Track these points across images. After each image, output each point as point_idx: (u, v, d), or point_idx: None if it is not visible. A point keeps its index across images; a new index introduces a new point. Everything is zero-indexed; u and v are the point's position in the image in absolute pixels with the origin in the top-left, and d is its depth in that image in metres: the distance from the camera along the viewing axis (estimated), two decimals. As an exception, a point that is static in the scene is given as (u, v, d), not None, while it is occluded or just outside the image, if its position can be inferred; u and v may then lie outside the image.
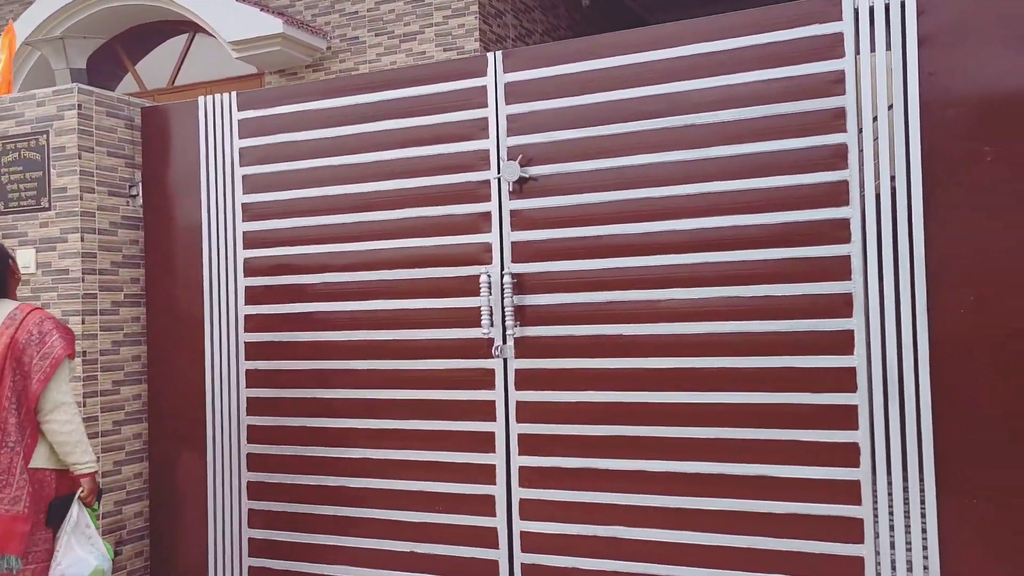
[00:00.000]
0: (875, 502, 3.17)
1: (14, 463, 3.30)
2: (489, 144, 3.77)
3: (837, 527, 3.21)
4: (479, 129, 3.78)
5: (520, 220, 3.71)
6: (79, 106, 4.27)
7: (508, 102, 3.74)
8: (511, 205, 3.72)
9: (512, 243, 3.72)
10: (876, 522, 3.17)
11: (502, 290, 3.68)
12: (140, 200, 4.53)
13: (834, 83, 3.23)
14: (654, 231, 3.49)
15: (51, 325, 3.38)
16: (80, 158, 4.27)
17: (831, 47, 3.23)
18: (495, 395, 3.75)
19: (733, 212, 3.37)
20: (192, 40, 7.86)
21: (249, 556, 4.23)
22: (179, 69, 7.97)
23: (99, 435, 4.29)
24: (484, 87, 3.78)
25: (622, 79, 3.54)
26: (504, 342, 3.71)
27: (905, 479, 3.13)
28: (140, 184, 4.52)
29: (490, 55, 3.77)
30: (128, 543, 4.44)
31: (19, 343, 3.33)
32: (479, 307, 3.73)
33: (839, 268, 3.22)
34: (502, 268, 3.71)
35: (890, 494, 3.15)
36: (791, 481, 3.28)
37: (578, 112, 3.61)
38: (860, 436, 3.19)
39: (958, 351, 3.06)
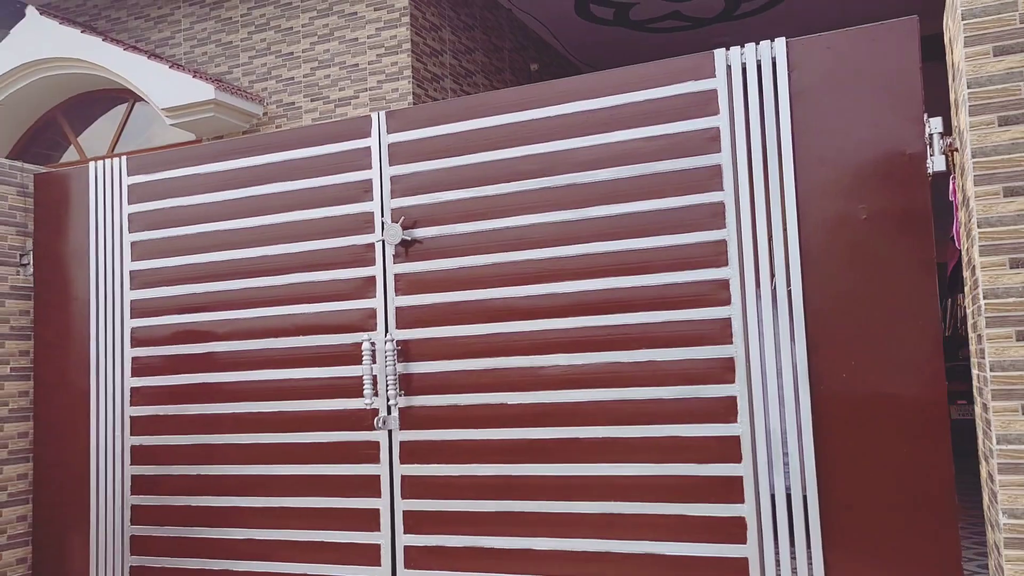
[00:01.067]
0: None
1: None
2: (373, 206, 3.65)
3: (727, 608, 3.00)
4: (363, 191, 3.67)
5: (405, 284, 3.57)
6: (-35, 174, 4.16)
7: (392, 163, 3.63)
8: (395, 269, 3.59)
9: (397, 308, 3.57)
10: (766, 602, 2.96)
11: (385, 358, 3.52)
12: (31, 269, 4.38)
13: (710, 140, 3.13)
14: (536, 294, 3.35)
15: None
16: (-36, 227, 4.14)
17: (706, 103, 3.14)
18: (380, 469, 3.55)
19: (614, 274, 3.23)
20: (132, 109, 7.82)
21: (132, 646, 3.97)
22: (119, 138, 7.91)
23: (-23, 517, 4.06)
24: (368, 148, 3.68)
25: (503, 138, 3.44)
26: (388, 412, 3.53)
27: (793, 555, 2.93)
28: (31, 253, 4.38)
29: (374, 115, 3.68)
30: (9, 633, 4.17)
31: None
32: (362, 376, 3.55)
33: (721, 331, 3.07)
34: (386, 334, 3.56)
35: (778, 565, 2.95)
36: (680, 559, 3.08)
37: (460, 172, 3.51)
38: (746, 510, 3.00)
39: (841, 414, 2.90)
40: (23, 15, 7.75)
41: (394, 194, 3.61)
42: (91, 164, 4.28)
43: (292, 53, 7.07)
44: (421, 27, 6.85)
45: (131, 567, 3.99)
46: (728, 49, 3.13)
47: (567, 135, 3.33)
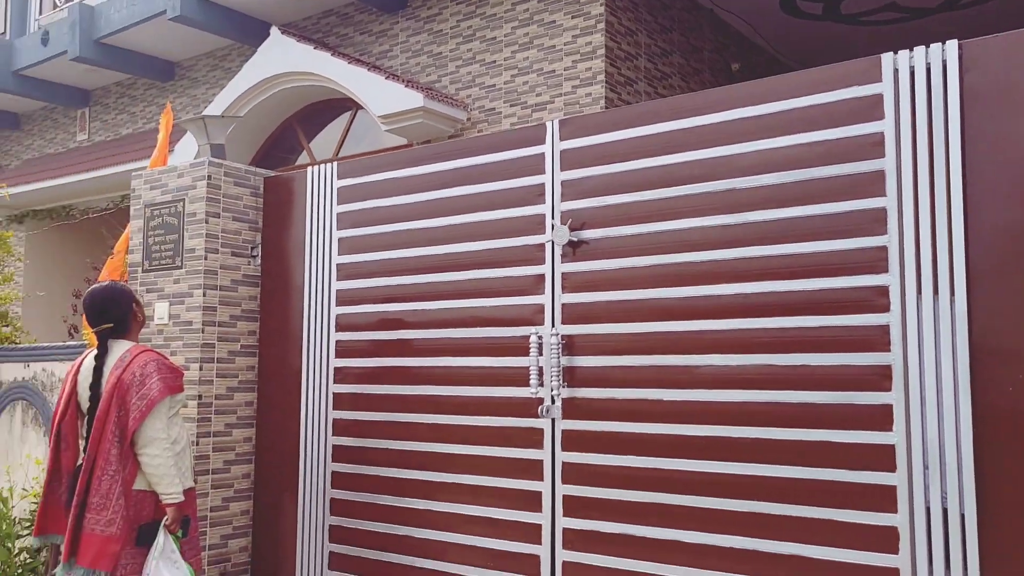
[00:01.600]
0: (915, 595, 2.91)
1: (113, 489, 3.75)
2: (545, 209, 3.90)
3: (875, 618, 2.97)
4: (537, 195, 3.93)
5: (571, 282, 3.80)
6: (209, 177, 4.87)
7: (563, 168, 3.86)
8: (563, 268, 3.82)
9: (563, 304, 3.81)
10: (916, 617, 2.90)
11: (551, 351, 3.76)
12: (259, 261, 5.04)
13: (874, 145, 3.09)
14: (695, 295, 3.45)
15: (153, 368, 3.83)
16: (207, 223, 4.85)
17: (871, 109, 3.11)
18: (543, 455, 3.80)
19: (772, 278, 3.28)
20: (355, 116, 8.61)
21: (329, 595, 4.49)
22: (343, 143, 8.73)
23: (210, 472, 4.76)
24: (542, 154, 3.94)
25: (667, 145, 3.57)
26: (552, 402, 3.77)
27: (948, 571, 2.85)
28: (259, 246, 5.04)
29: (548, 123, 3.93)
30: (232, 575, 4.84)
31: (124, 383, 3.80)
32: (529, 367, 3.82)
33: (879, 338, 3.04)
34: (552, 329, 3.80)
35: (932, 587, 2.88)
36: (828, 563, 3.08)
37: (626, 177, 3.68)
38: (899, 520, 2.95)
39: (1005, 430, 2.78)
40: (268, 35, 8.76)
41: (564, 197, 3.85)
42: (308, 169, 4.86)
43: (495, 61, 7.49)
44: (616, 32, 7.03)
45: (330, 525, 4.51)
46: (896, 53, 3.08)
47: (728, 141, 3.41)
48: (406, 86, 7.36)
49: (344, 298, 4.61)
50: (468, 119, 7.59)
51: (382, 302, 4.44)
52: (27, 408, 5.78)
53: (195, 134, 5.20)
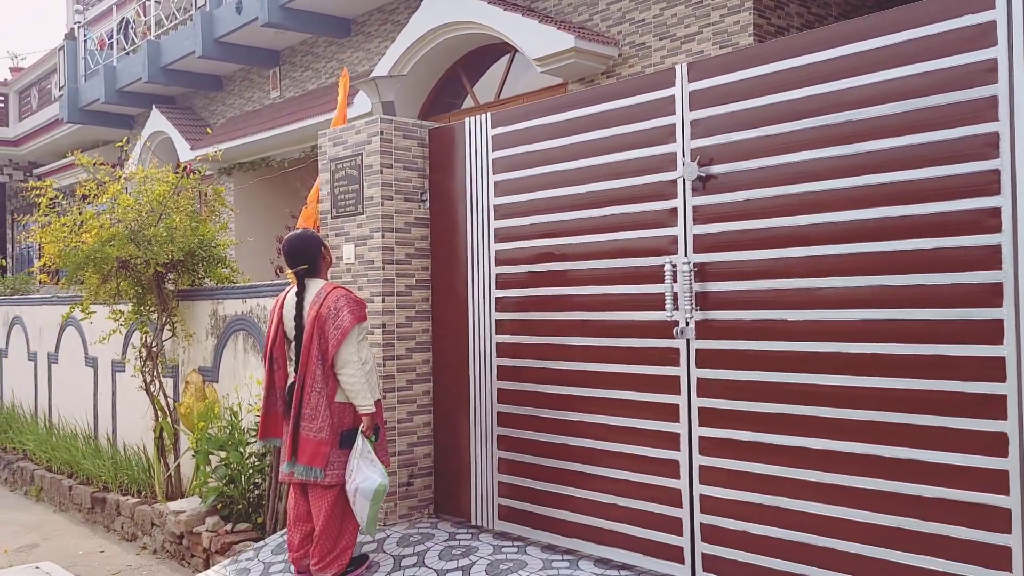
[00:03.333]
0: None
1: (320, 402, 4.55)
2: (676, 147, 4.22)
3: (985, 515, 3.21)
4: (668, 134, 4.26)
5: (701, 215, 4.13)
6: (381, 132, 5.51)
7: (692, 108, 4.16)
8: (694, 201, 4.15)
9: (694, 236, 4.15)
10: None
11: (684, 278, 4.13)
12: (428, 204, 5.67)
13: (987, 72, 3.20)
14: (815, 223, 3.70)
15: (343, 302, 4.56)
16: (382, 173, 5.51)
17: (983, 36, 3.21)
18: (679, 371, 4.21)
19: (888, 203, 3.47)
20: (512, 59, 9.05)
21: (499, 496, 5.15)
22: (503, 85, 9.22)
23: (395, 390, 5.51)
24: (672, 96, 4.24)
25: (786, 82, 3.79)
26: (686, 324, 4.15)
27: (1053, 474, 3.05)
28: (427, 191, 5.66)
29: (677, 67, 4.22)
30: (419, 477, 5.62)
31: (322, 316, 4.56)
32: (664, 292, 4.21)
33: (991, 257, 3.20)
34: (685, 258, 4.16)
35: (1039, 489, 3.08)
36: (940, 467, 3.34)
37: (751, 114, 3.93)
38: (1009, 426, 3.16)
39: (1111, 345, 2.91)
40: (431, -14, 9.31)
41: (694, 136, 4.15)
42: (466, 120, 5.39)
43: (643, -4, 7.67)
44: (765, -44, 7.01)
45: (498, 436, 5.15)
46: (1009, -22, 3.15)
47: (844, 75, 3.59)
48: (558, 28, 7.70)
49: (501, 235, 5.14)
50: (619, 55, 7.84)
51: (535, 238, 4.93)
52: (247, 337, 6.81)
53: (368, 94, 5.84)
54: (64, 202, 7.70)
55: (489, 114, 5.25)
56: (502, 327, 5.13)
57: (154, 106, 14.58)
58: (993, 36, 3.18)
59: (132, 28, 15.74)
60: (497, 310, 5.16)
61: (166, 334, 7.46)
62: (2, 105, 20.53)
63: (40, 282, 12.43)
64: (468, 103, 9.73)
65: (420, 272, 5.67)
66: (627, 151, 4.45)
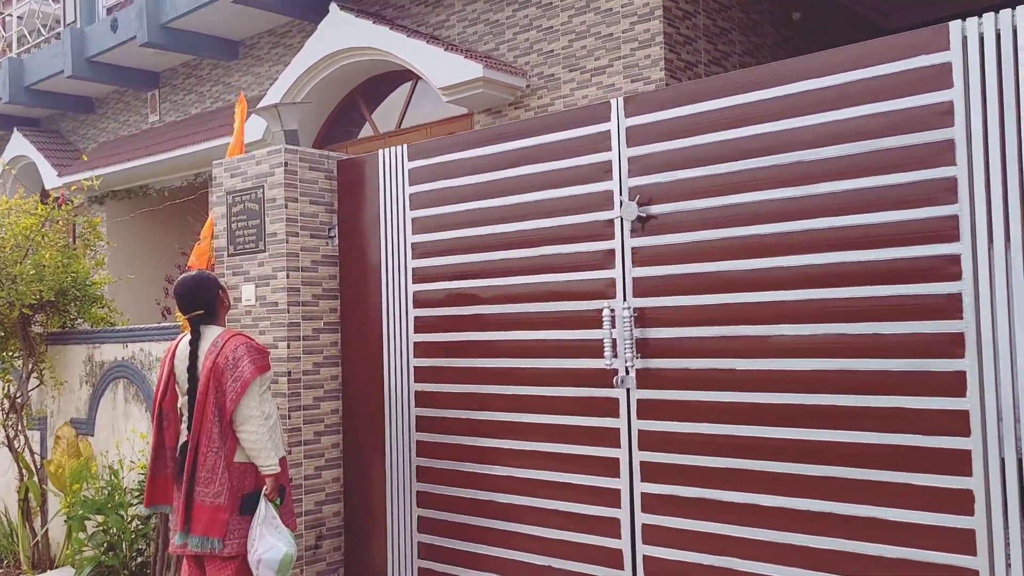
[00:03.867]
0: (991, 553, 3.00)
1: (217, 464, 4.05)
2: (613, 185, 4.00)
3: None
4: (604, 171, 4.03)
5: (641, 257, 3.90)
6: (286, 163, 5.07)
7: (629, 144, 3.95)
8: (632, 243, 3.93)
9: (634, 279, 3.92)
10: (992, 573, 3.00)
11: (624, 323, 3.89)
12: (336, 241, 5.25)
13: (943, 115, 3.11)
14: (764, 267, 3.53)
15: (243, 351, 4.09)
16: (287, 207, 5.06)
17: (939, 78, 3.12)
18: (619, 423, 3.96)
19: (839, 248, 3.34)
20: (415, 87, 8.74)
21: (419, 559, 4.75)
22: (404, 114, 8.88)
23: (302, 444, 5.04)
24: (608, 131, 4.02)
25: (732, 119, 3.63)
26: (626, 372, 3.91)
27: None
28: (336, 227, 5.24)
29: (612, 101, 4.01)
30: (327, 538, 5.15)
31: (219, 367, 4.07)
32: (602, 339, 3.96)
33: (950, 306, 3.09)
34: (624, 302, 3.92)
35: (1007, 544, 2.96)
36: (901, 525, 3.19)
37: (692, 152, 3.75)
38: (974, 483, 3.03)
39: (1079, 397, 2.83)
40: (327, 11, 8.90)
41: (631, 174, 3.93)
42: (380, 152, 5.03)
43: (552, 27, 7.51)
44: (673, -10, 6.99)
45: (417, 492, 4.75)
46: (964, 20, 3.08)
47: (794, 114, 3.45)
48: (465, 57, 7.45)
49: (420, 275, 4.79)
50: (527, 86, 7.65)
51: (457, 279, 4.61)
52: (128, 385, 6.16)
53: (269, 121, 5.40)
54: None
55: (405, 146, 4.91)
56: (421, 374, 4.76)
57: (15, 129, 13.46)
58: (949, 78, 3.10)
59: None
60: (416, 355, 4.79)
61: (32, 382, 6.68)
62: None
63: None
64: (367, 131, 9.34)
65: (328, 314, 5.24)
66: (559, 188, 4.19)
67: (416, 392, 4.78)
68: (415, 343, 4.80)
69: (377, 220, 5.04)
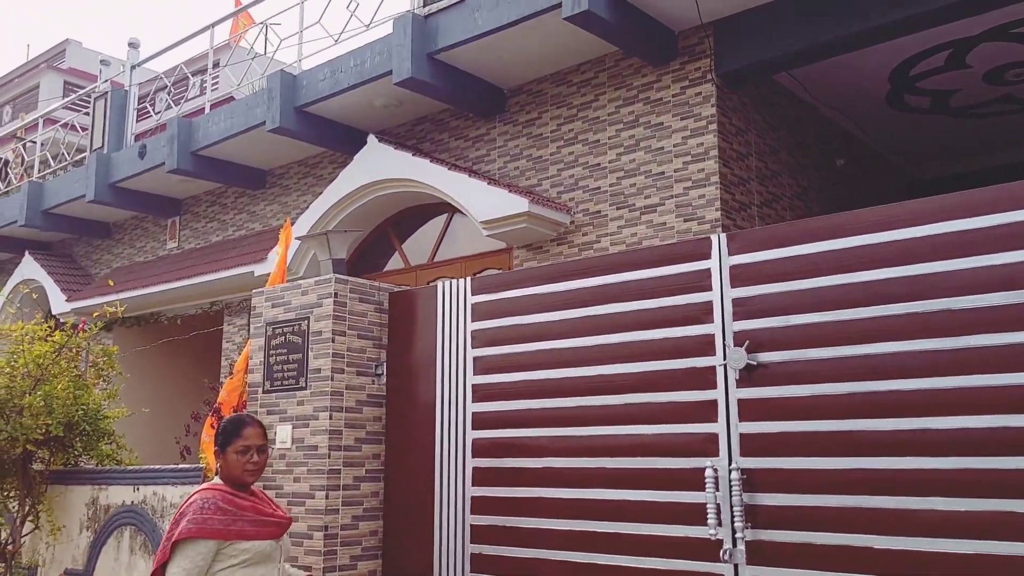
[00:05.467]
0: None
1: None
2: (714, 328, 3.59)
3: None
4: (703, 313, 3.63)
5: (749, 410, 3.45)
6: (335, 294, 4.68)
7: (734, 285, 3.57)
8: (739, 394, 3.48)
9: (741, 435, 3.45)
10: None
11: (731, 486, 3.39)
12: (384, 379, 4.79)
13: (1122, 259, 2.74)
14: (905, 428, 3.08)
15: (194, 508, 3.04)
16: (334, 341, 4.63)
17: (1114, 218, 2.77)
18: (725, 605, 3.39)
19: (1002, 411, 2.89)
20: (450, 220, 8.49)
21: None
22: (438, 246, 8.60)
23: (334, 610, 4.40)
24: (708, 270, 3.65)
25: (858, 260, 3.26)
26: (734, 545, 3.38)
27: None
28: (384, 364, 4.80)
29: (714, 237, 3.67)
30: None
31: (175, 519, 3.20)
32: (704, 503, 3.45)
33: None
34: (731, 463, 3.44)
35: None
36: None
37: (811, 295, 3.36)
38: None
39: None
40: (358, 142, 8.78)
41: (736, 316, 3.54)
42: (439, 283, 4.65)
43: (599, 164, 7.33)
44: (727, 132, 6.83)
45: (469, 675, 4.10)
46: None
47: (938, 256, 3.08)
48: (509, 191, 7.22)
49: (481, 420, 4.31)
50: (572, 222, 7.40)
51: (525, 426, 4.12)
52: (135, 534, 5.53)
53: (317, 250, 5.08)
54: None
55: (468, 279, 4.54)
56: (480, 535, 4.20)
57: (27, 252, 13.17)
58: None
59: (10, 168, 14.51)
60: (473, 512, 4.24)
61: (27, 527, 6.03)
62: None
63: None
64: (395, 263, 9.02)
65: (370, 461, 4.71)
66: (649, 330, 3.79)
67: (472, 555, 4.20)
68: (472, 497, 4.26)
69: (432, 358, 4.60)
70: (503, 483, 4.16)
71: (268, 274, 8.68)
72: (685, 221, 6.72)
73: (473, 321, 4.45)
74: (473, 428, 4.33)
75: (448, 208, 8.34)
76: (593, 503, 3.83)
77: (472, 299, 4.47)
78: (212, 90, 11.10)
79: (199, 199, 11.54)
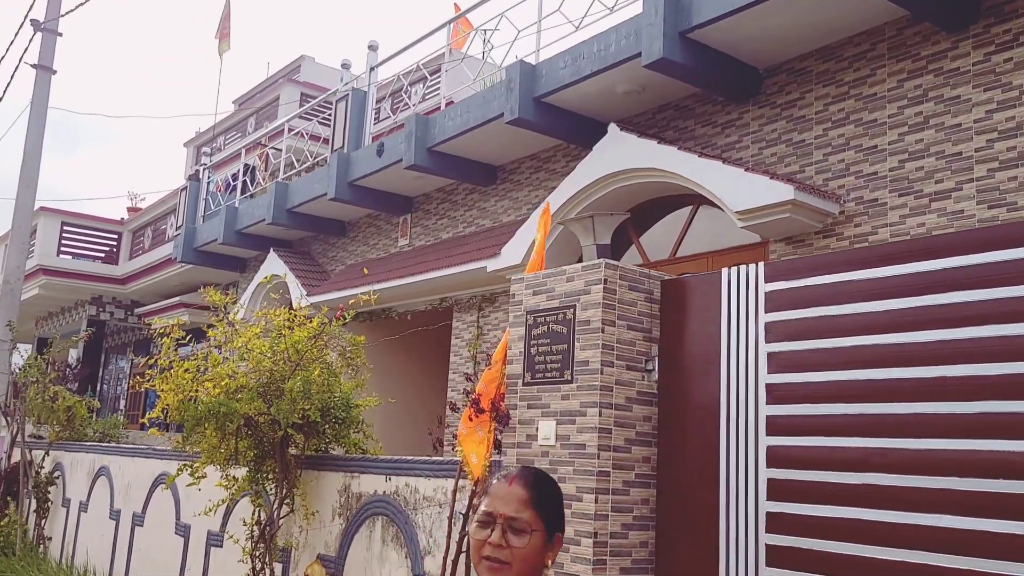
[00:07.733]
0: None
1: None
2: (1112, 322, 2.84)
3: None
4: (1095, 302, 2.89)
5: None
6: (605, 281, 4.29)
7: None
8: None
9: None
10: None
11: None
12: (655, 375, 4.35)
13: None
14: None
15: None
16: (603, 332, 4.24)
17: None
18: None
19: None
20: (695, 213, 7.94)
21: None
22: (680, 241, 8.07)
23: (603, 627, 4.00)
24: (1102, 248, 2.91)
25: None
26: None
27: None
28: (656, 359, 4.35)
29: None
30: None
31: None
32: (1105, 544, 2.71)
33: None
34: None
35: None
36: None
37: None
38: None
39: None
40: (594, 133, 8.43)
41: None
42: (723, 271, 4.14)
43: (875, 146, 6.52)
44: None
45: None
46: None
47: None
48: (771, 178, 6.57)
49: (779, 426, 3.75)
50: (841, 212, 6.63)
51: (837, 434, 3.52)
52: (387, 525, 5.41)
53: (580, 235, 4.73)
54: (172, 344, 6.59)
55: (761, 264, 3.99)
56: (778, 556, 3.64)
57: (272, 249, 13.98)
58: None
59: (258, 171, 15.51)
60: (769, 531, 3.69)
61: (283, 509, 6.11)
62: (115, 244, 20.50)
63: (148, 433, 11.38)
64: (631, 257, 8.57)
65: (640, 464, 4.28)
66: (1011, 323, 3.08)
67: (768, 580, 3.65)
68: (768, 513, 3.71)
69: (714, 354, 4.09)
70: (808, 499, 3.58)
71: (508, 267, 8.55)
72: (989, 208, 5.78)
73: (767, 312, 3.90)
74: (768, 434, 3.78)
75: (693, 200, 7.80)
76: (931, 531, 3.17)
77: (766, 287, 3.93)
78: (438, 93, 11.20)
79: (430, 196, 11.68)
